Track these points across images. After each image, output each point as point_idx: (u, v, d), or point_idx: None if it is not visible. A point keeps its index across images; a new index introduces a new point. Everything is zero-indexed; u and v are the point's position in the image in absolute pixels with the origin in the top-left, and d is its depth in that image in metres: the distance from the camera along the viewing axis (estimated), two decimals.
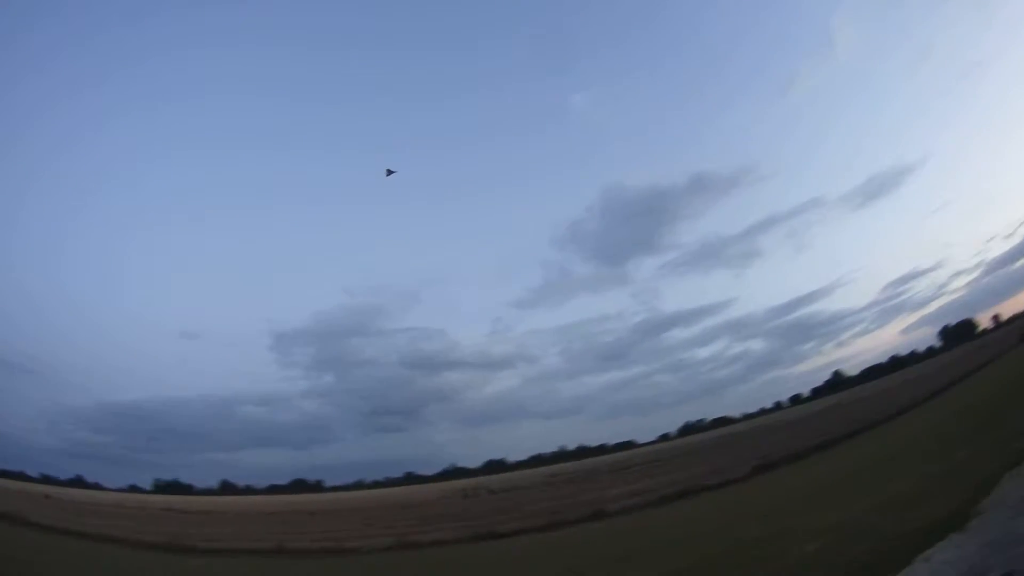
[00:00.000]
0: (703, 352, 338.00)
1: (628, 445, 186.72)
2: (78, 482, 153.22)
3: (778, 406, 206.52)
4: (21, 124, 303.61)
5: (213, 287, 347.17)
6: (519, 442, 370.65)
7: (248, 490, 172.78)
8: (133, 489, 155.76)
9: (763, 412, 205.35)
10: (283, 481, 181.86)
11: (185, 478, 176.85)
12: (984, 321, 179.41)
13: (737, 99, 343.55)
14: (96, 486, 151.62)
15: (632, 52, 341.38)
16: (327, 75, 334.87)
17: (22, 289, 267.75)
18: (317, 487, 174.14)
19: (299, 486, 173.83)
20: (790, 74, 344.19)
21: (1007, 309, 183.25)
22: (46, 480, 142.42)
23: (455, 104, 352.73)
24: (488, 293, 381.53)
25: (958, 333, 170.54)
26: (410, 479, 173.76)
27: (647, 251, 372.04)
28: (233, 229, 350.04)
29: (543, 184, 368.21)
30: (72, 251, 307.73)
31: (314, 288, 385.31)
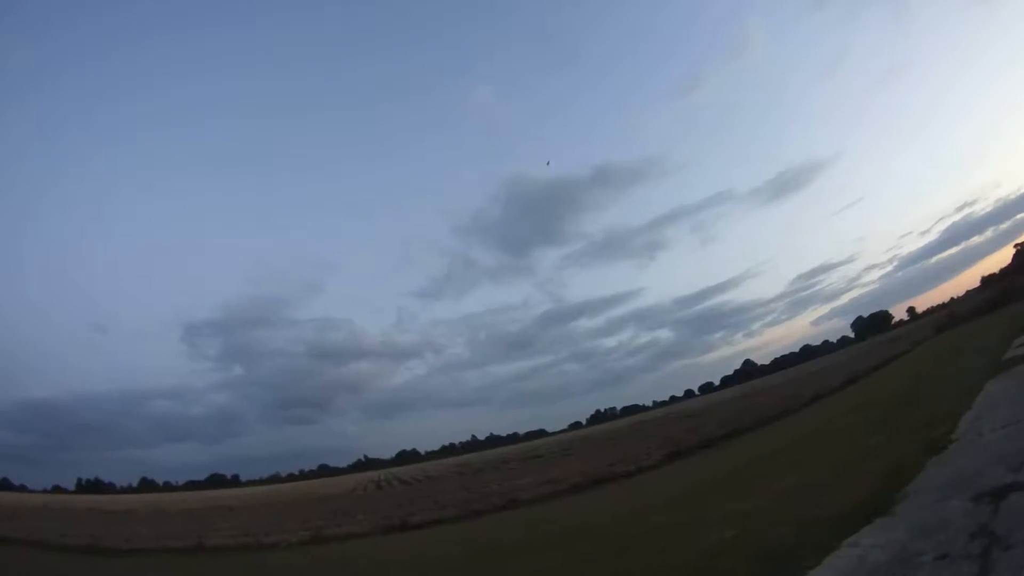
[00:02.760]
0: (610, 341, 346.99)
1: (540, 434, 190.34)
2: (5, 485, 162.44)
3: (689, 394, 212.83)
4: None
5: (121, 277, 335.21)
6: (430, 432, 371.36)
7: (168, 487, 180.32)
8: (57, 490, 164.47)
9: (674, 400, 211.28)
10: (200, 476, 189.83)
11: (106, 476, 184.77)
12: (899, 313, 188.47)
13: (644, 93, 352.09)
14: (23, 488, 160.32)
15: (536, 44, 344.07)
16: (236, 71, 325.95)
17: None
18: (234, 482, 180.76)
19: (216, 481, 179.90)
20: (699, 71, 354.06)
21: (922, 303, 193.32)
22: None
23: (359, 92, 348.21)
24: (392, 283, 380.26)
25: (872, 324, 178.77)
26: (324, 471, 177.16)
27: (551, 242, 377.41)
28: (140, 217, 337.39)
29: (446, 173, 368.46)
30: None
31: (221, 277, 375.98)
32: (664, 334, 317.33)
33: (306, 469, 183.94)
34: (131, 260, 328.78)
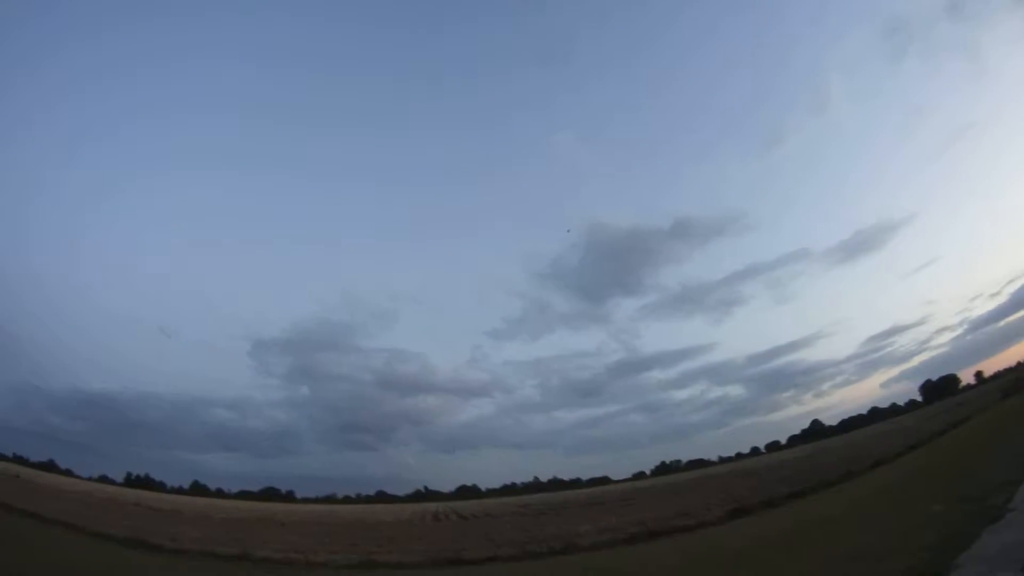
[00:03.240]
0: (680, 394, 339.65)
1: (603, 481, 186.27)
2: (50, 466, 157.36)
3: (755, 451, 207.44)
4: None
5: (195, 286, 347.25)
6: (492, 469, 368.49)
7: (219, 493, 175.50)
8: (104, 480, 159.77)
9: (740, 456, 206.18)
10: (254, 488, 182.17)
11: (157, 475, 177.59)
12: (967, 377, 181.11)
13: (725, 147, 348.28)
14: (68, 472, 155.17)
15: (618, 92, 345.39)
16: (321, 95, 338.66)
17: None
18: (289, 497, 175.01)
19: (270, 494, 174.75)
20: (781, 126, 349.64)
21: (990, 366, 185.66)
22: (18, 460, 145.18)
23: (442, 133, 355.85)
24: (467, 321, 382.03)
25: (939, 388, 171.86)
26: (381, 497, 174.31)
27: (628, 291, 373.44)
28: (219, 232, 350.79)
29: (527, 217, 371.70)
30: (55, 237, 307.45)
31: (294, 299, 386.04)
32: (735, 390, 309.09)
33: (364, 493, 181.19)
34: (206, 270, 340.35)
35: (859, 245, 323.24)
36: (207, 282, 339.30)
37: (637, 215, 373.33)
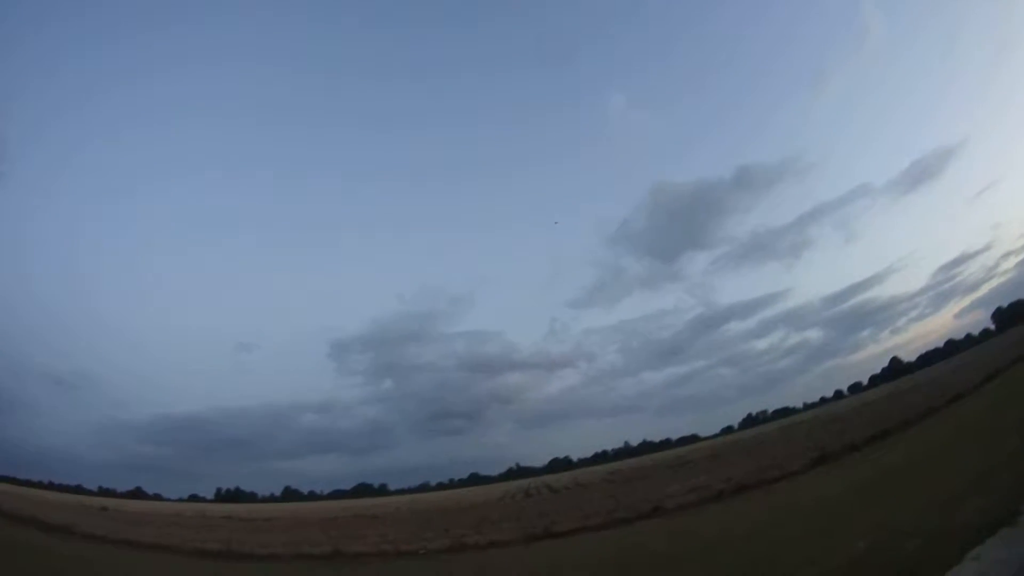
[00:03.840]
0: (761, 344, 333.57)
1: (691, 439, 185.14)
2: (137, 494, 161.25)
3: (839, 395, 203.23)
4: (76, 144, 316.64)
5: (268, 298, 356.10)
6: (582, 440, 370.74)
7: (312, 496, 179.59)
8: (194, 499, 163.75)
9: (824, 401, 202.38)
10: (347, 486, 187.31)
11: (247, 486, 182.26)
12: None
13: (775, 93, 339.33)
14: (157, 497, 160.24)
15: (669, 53, 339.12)
16: (383, 98, 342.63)
17: (73, 308, 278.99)
18: (382, 491, 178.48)
19: (363, 490, 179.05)
20: (823, 67, 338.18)
21: None
22: (104, 493, 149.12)
23: (501, 116, 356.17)
24: (543, 294, 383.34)
25: (1012, 314, 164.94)
26: (474, 480, 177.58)
27: (698, 246, 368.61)
28: (287, 240, 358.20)
29: (591, 184, 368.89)
30: (122, 267, 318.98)
31: (370, 295, 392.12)
32: (814, 334, 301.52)
33: (456, 478, 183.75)
34: (279, 281, 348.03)
35: (918, 175, 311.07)
36: (280, 293, 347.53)
37: (698, 169, 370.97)
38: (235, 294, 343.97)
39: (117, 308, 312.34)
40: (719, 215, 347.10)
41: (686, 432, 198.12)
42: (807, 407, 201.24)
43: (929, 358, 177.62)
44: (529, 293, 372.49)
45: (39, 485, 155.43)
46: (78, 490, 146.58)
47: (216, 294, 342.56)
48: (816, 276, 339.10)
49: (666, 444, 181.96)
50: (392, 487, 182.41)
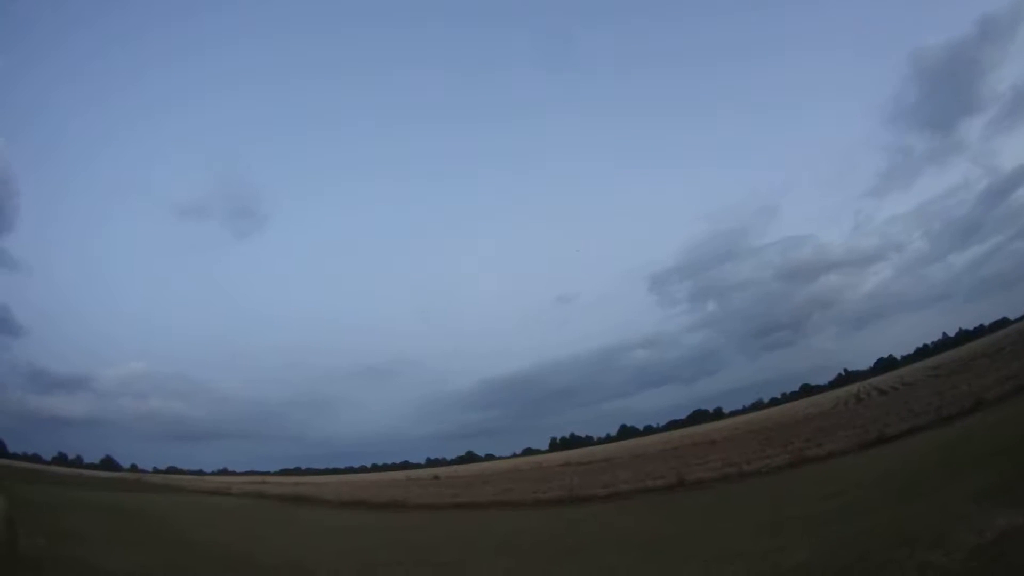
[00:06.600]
0: None
1: (1002, 323, 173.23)
2: (468, 458, 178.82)
3: None
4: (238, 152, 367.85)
5: (582, 247, 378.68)
6: (903, 335, 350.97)
7: (648, 430, 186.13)
8: (528, 452, 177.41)
9: None
10: (682, 415, 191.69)
11: (581, 432, 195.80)
12: None
13: None
14: (488, 457, 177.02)
15: None
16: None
17: (386, 305, 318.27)
18: (717, 415, 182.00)
19: (699, 417, 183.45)
20: None
21: None
22: (433, 463, 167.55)
23: None
24: (841, 189, 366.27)
25: None
26: (805, 391, 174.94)
27: (970, 110, 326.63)
28: (591, 189, 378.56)
29: (855, 64, 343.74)
30: (444, 260, 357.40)
31: (676, 224, 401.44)
32: None
33: (787, 392, 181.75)
34: (592, 231, 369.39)
35: None
36: (591, 241, 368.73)
37: (944, 28, 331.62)
38: (554, 251, 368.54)
39: (434, 292, 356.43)
40: (979, 73, 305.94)
41: (996, 316, 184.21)
42: None
43: None
44: (828, 189, 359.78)
45: (362, 470, 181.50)
46: (404, 466, 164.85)
47: (534, 255, 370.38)
48: None
49: (980, 331, 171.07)
50: (726, 410, 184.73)
